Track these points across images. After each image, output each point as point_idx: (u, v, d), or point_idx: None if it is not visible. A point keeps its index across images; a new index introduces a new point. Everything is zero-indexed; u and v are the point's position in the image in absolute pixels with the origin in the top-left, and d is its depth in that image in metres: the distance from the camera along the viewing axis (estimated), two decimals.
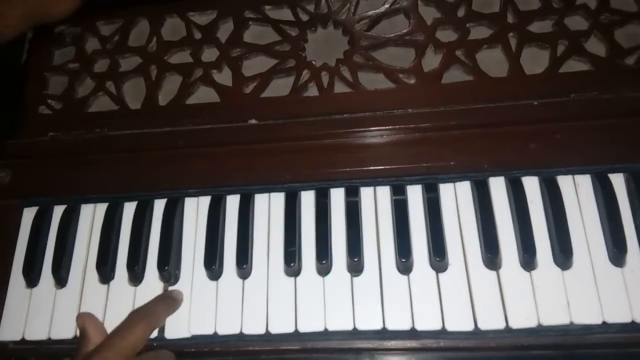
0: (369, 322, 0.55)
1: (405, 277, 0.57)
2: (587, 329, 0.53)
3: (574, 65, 0.63)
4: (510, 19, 0.66)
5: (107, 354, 0.50)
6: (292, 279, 0.58)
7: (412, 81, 0.65)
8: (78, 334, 0.57)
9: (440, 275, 0.56)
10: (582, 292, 0.54)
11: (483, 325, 0.54)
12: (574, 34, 0.64)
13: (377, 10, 0.69)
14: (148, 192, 0.65)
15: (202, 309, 0.58)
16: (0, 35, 0.64)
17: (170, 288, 0.60)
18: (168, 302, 0.58)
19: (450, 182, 0.60)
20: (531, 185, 0.59)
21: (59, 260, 0.62)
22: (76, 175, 0.66)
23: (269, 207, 0.62)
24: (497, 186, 0.59)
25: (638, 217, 0.56)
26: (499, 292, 0.55)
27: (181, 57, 0.71)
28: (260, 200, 0.62)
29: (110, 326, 0.58)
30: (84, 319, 0.56)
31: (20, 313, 0.61)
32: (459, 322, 0.54)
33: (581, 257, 0.55)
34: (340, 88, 0.66)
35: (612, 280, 0.54)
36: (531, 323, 0.53)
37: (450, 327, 0.54)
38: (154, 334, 0.57)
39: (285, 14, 0.71)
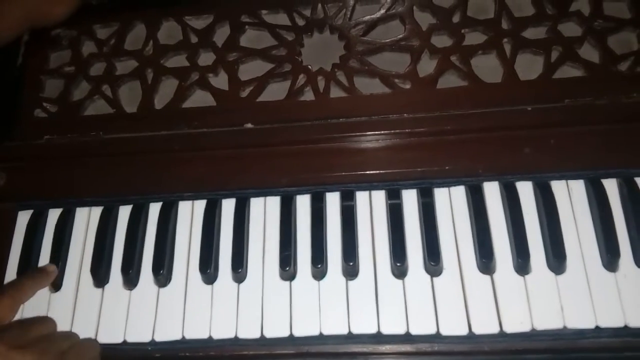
0: (364, 326, 0.55)
1: (400, 281, 0.57)
2: (581, 333, 0.53)
3: (568, 71, 0.63)
4: (504, 25, 0.66)
5: None
6: (287, 283, 0.58)
7: (408, 86, 0.65)
8: None
9: (435, 279, 0.56)
10: (576, 296, 0.54)
11: (477, 330, 0.54)
12: (568, 40, 0.64)
13: (373, 16, 0.69)
14: (143, 195, 0.64)
15: (197, 313, 0.58)
16: None
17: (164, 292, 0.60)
18: (37, 276, 0.60)
19: (445, 186, 0.60)
20: (525, 190, 0.59)
21: (54, 264, 0.61)
22: (71, 179, 0.66)
23: (265, 211, 0.62)
24: (492, 191, 0.59)
25: (631, 222, 0.56)
26: (493, 297, 0.55)
27: (177, 60, 0.71)
28: (256, 204, 0.62)
29: (103, 330, 0.58)
30: None
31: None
32: (454, 327, 0.54)
33: (574, 262, 0.55)
34: (336, 93, 0.66)
35: (605, 285, 0.54)
36: (525, 327, 0.53)
37: (444, 332, 0.54)
38: (147, 338, 0.57)
39: (282, 19, 0.71)
